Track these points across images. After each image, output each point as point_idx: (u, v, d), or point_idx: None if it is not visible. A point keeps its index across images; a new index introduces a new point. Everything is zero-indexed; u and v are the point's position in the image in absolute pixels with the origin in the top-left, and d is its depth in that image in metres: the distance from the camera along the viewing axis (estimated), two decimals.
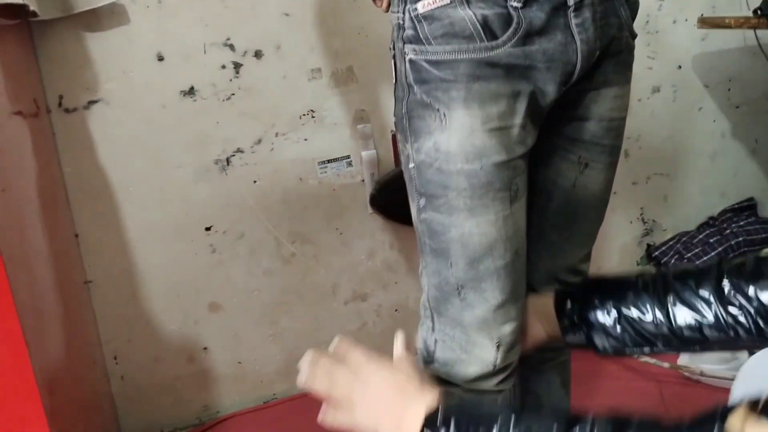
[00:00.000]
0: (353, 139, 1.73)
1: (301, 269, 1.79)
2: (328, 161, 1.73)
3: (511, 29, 0.87)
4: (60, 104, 1.52)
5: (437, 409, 0.78)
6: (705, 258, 2.03)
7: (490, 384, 0.99)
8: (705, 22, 1.90)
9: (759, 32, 2.00)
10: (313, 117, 1.70)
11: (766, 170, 2.26)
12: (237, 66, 1.61)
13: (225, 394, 1.80)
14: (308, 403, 1.80)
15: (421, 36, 0.89)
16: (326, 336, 1.83)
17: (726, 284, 0.86)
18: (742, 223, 2.14)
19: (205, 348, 1.75)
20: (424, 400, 0.81)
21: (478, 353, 0.96)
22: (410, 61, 0.91)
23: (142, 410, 1.74)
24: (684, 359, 1.82)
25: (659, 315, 0.90)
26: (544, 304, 1.02)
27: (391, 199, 1.76)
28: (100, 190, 1.59)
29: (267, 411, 1.82)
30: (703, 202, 2.19)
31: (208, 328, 1.74)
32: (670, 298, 0.90)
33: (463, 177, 0.91)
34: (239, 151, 1.66)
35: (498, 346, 0.97)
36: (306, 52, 1.65)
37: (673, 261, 2.07)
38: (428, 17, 0.88)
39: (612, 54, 0.97)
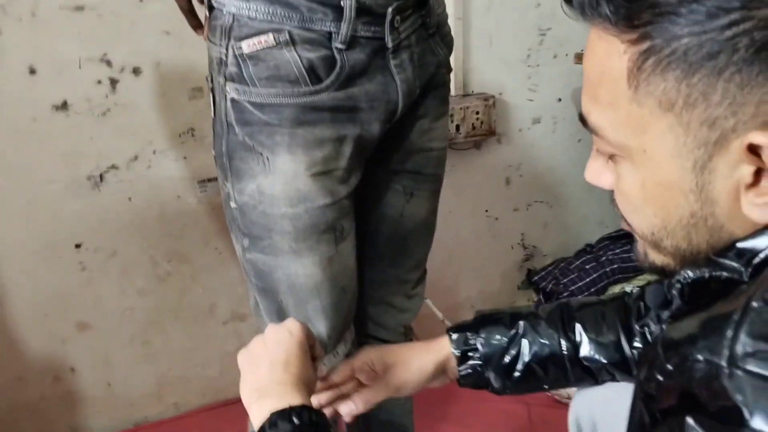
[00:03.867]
0: None
1: (177, 288, 1.76)
2: (209, 180, 1.72)
3: (335, 72, 0.90)
4: None
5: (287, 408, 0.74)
6: (580, 284, 2.11)
7: None
8: (582, 58, 1.99)
9: None
10: (193, 136, 1.69)
11: None
12: (114, 82, 1.59)
13: (93, 416, 1.75)
14: (181, 426, 1.80)
15: (245, 76, 0.89)
16: (202, 356, 1.82)
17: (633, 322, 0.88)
18: (618, 251, 2.24)
19: (72, 368, 1.70)
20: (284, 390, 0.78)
21: None
22: (232, 100, 0.92)
23: None
24: None
25: (564, 347, 0.89)
26: (437, 348, 0.94)
27: None
28: None
29: None
30: (581, 230, 2.29)
31: (76, 348, 1.69)
32: (576, 330, 0.90)
33: (288, 221, 0.93)
34: (114, 167, 1.63)
35: None
36: (186, 71, 1.64)
37: (550, 286, 2.15)
38: (253, 57, 0.89)
39: (431, 89, 1.03)
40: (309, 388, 0.82)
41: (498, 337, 0.91)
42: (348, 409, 0.90)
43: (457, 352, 0.92)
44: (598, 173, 0.64)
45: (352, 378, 0.93)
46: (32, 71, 1.52)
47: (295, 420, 0.72)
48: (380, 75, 0.93)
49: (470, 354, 0.92)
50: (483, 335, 0.91)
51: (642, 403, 0.57)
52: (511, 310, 0.95)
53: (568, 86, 2.14)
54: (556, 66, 2.09)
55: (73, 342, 1.69)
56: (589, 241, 2.30)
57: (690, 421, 0.48)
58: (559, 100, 2.14)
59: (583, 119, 0.62)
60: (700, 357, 0.49)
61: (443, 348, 0.93)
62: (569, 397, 1.81)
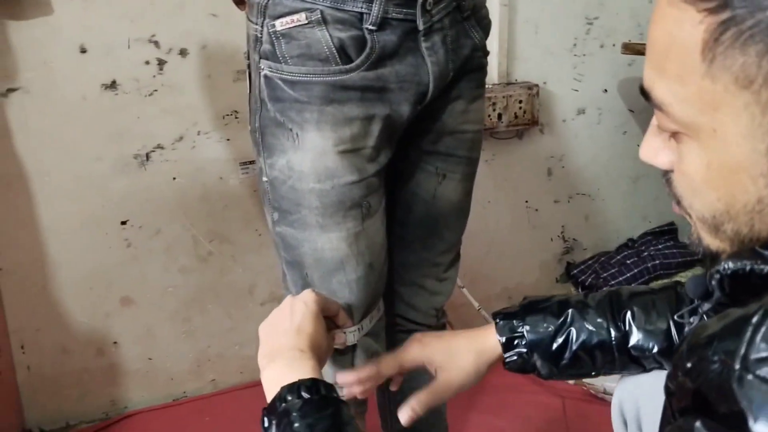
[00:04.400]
0: None
1: (218, 268, 1.80)
2: (250, 163, 1.74)
3: (365, 53, 0.91)
4: None
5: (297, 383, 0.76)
6: (620, 279, 2.08)
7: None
8: (629, 48, 1.96)
9: None
10: (236, 118, 1.71)
11: None
12: (161, 63, 1.62)
13: (133, 389, 1.80)
14: (219, 403, 1.84)
15: (278, 53, 0.91)
16: (241, 336, 1.85)
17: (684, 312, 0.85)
18: (660, 246, 2.20)
19: (115, 342, 1.75)
20: (295, 359, 0.81)
21: (332, 357, 1.02)
22: (265, 77, 0.94)
23: (48, 402, 1.72)
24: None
25: (613, 335, 0.89)
26: (487, 344, 0.94)
27: None
28: (14, 178, 1.58)
29: (176, 409, 1.81)
30: (623, 224, 2.26)
31: (120, 323, 1.74)
32: (626, 319, 0.89)
33: (315, 196, 0.94)
34: (160, 147, 1.66)
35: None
36: (232, 53, 1.67)
37: (589, 280, 2.13)
38: (286, 35, 0.90)
39: (466, 72, 1.03)
40: (321, 356, 0.86)
41: (545, 324, 0.91)
42: (407, 417, 0.91)
43: (502, 339, 0.92)
44: (655, 151, 0.60)
45: (399, 372, 0.96)
46: (83, 50, 1.56)
47: (305, 394, 0.74)
48: (411, 57, 0.94)
49: (516, 341, 0.92)
50: (530, 322, 0.92)
51: (667, 399, 0.56)
52: (559, 297, 0.94)
53: (615, 77, 2.11)
54: (602, 56, 2.06)
55: (116, 316, 1.73)
56: (631, 236, 2.27)
57: (698, 424, 0.47)
58: (605, 90, 2.11)
59: (644, 92, 0.57)
60: (716, 358, 0.48)
61: (491, 340, 0.93)
62: (605, 392, 1.79)
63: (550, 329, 0.91)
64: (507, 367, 0.94)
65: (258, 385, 0.81)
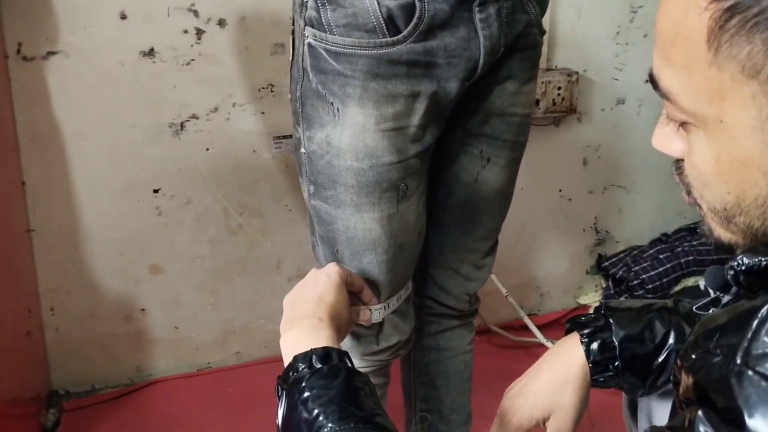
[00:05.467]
0: None
1: (246, 241, 1.80)
2: (284, 137, 1.74)
3: (413, 22, 0.87)
4: (18, 52, 1.52)
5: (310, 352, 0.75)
6: (652, 273, 2.05)
7: (368, 363, 1.06)
8: None
9: None
10: (272, 92, 1.71)
11: None
12: (200, 32, 1.62)
13: (159, 357, 1.81)
14: (242, 375, 1.84)
15: (323, 21, 0.88)
16: (267, 310, 1.85)
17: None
18: (695, 243, 2.16)
19: (143, 309, 1.76)
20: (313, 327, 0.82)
21: (358, 331, 1.03)
22: (309, 45, 0.91)
23: (75, 365, 1.75)
24: None
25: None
26: (567, 364, 0.85)
27: None
28: (51, 141, 1.59)
29: (200, 378, 1.83)
30: (658, 218, 2.21)
31: (148, 290, 1.75)
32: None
33: (352, 174, 0.92)
34: (194, 117, 1.67)
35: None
36: (270, 26, 1.66)
37: (620, 273, 2.09)
38: (333, 2, 0.87)
39: (518, 50, 0.98)
40: (340, 326, 0.86)
41: (641, 345, 0.82)
42: None
43: (590, 364, 0.83)
44: (667, 140, 0.59)
45: None
46: (123, 17, 1.56)
47: (316, 363, 0.73)
48: (463, 28, 0.90)
49: (608, 364, 0.83)
50: (625, 341, 0.82)
51: (674, 389, 0.56)
52: (654, 312, 0.84)
53: None
54: (646, 45, 2.01)
55: (145, 284, 1.75)
56: (665, 230, 2.22)
57: (700, 413, 0.47)
58: (647, 81, 2.05)
59: (653, 81, 0.56)
60: (718, 351, 0.47)
61: (584, 372, 0.83)
62: None
63: (647, 348, 0.82)
64: (594, 386, 0.85)
65: (281, 360, 0.81)
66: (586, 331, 0.84)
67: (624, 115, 2.06)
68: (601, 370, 0.83)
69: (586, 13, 1.91)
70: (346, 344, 1.05)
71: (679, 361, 0.54)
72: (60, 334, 1.72)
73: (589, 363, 0.83)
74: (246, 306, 1.84)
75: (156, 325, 1.79)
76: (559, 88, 1.89)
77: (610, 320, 0.84)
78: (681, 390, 0.53)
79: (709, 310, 0.82)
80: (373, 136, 0.91)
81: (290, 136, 1.74)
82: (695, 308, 0.85)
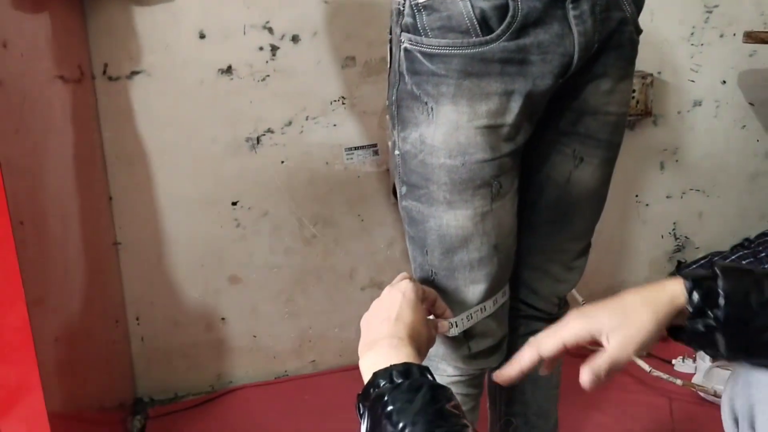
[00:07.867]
0: (381, 129, 1.77)
1: (321, 251, 1.83)
2: (355, 148, 1.77)
3: (506, 21, 0.88)
4: (104, 72, 1.60)
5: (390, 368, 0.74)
6: None
7: (461, 371, 1.03)
8: (751, 37, 1.86)
9: None
10: (343, 104, 1.74)
11: None
12: (274, 49, 1.67)
13: (239, 365, 1.86)
14: (318, 383, 1.87)
15: (418, 26, 0.91)
16: (341, 318, 1.88)
17: None
18: None
19: (223, 318, 1.82)
20: (392, 347, 0.80)
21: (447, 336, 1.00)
22: (405, 50, 0.93)
23: (159, 372, 1.81)
24: (698, 378, 1.78)
25: None
26: (658, 290, 0.80)
27: None
28: (136, 157, 1.67)
29: (277, 386, 1.86)
30: (739, 223, 2.14)
31: (228, 300, 1.80)
32: None
33: (445, 172, 0.93)
34: (270, 131, 1.71)
35: (466, 335, 1.01)
36: (341, 40, 1.70)
37: None
38: (428, 7, 0.89)
39: (613, 47, 0.97)
40: (420, 345, 0.85)
41: (745, 304, 0.77)
42: (588, 378, 0.78)
43: (690, 309, 0.78)
44: None
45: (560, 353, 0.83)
46: (202, 36, 1.63)
47: (396, 379, 0.72)
48: (557, 25, 0.89)
49: (709, 311, 0.78)
50: (732, 293, 0.77)
51: None
52: (763, 276, 0.79)
53: (735, 68, 2.01)
54: (722, 45, 1.97)
55: (225, 293, 1.80)
56: (747, 235, 2.15)
57: None
58: (724, 82, 2.01)
59: None
60: None
61: (670, 292, 0.79)
62: (715, 394, 1.71)
63: (754, 305, 0.76)
64: (676, 337, 0.81)
65: (356, 368, 0.81)
66: (690, 277, 0.79)
67: (701, 117, 2.01)
68: (698, 315, 0.78)
69: (659, 15, 1.88)
70: (438, 351, 1.05)
71: None
72: (145, 343, 1.78)
73: (688, 307, 0.78)
74: (321, 315, 1.88)
75: (235, 333, 1.84)
76: (634, 91, 1.85)
77: (717, 271, 0.78)
78: None
79: None
80: (466, 133, 0.91)
81: (362, 147, 1.78)
82: None
